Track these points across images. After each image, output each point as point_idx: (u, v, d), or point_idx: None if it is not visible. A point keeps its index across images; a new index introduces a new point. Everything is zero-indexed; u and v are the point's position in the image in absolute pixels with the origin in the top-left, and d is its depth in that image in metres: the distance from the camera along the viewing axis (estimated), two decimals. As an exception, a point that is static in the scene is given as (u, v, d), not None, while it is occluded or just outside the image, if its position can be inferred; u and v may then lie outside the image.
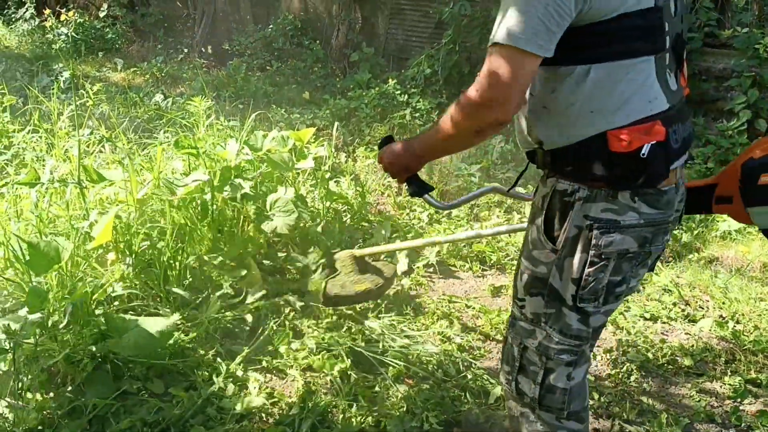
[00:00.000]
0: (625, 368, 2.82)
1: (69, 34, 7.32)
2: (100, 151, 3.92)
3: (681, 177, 1.62)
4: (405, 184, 1.87)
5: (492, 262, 3.71)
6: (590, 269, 1.56)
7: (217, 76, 7.48)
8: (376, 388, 2.61)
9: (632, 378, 2.78)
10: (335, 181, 4.36)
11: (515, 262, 3.63)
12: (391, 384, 2.62)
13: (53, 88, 4.84)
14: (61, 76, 5.55)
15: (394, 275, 3.08)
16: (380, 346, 2.83)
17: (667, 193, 1.55)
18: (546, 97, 1.54)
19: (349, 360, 2.73)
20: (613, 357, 2.89)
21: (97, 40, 8.81)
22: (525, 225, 1.80)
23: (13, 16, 10.16)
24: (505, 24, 1.38)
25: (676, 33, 1.55)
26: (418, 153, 1.73)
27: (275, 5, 8.69)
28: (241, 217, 3.37)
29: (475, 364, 2.80)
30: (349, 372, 2.67)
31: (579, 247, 1.56)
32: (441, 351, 2.84)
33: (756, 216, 1.67)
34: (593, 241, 1.54)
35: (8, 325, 2.41)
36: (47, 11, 9.19)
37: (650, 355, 2.90)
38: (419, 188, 1.86)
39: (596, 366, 2.86)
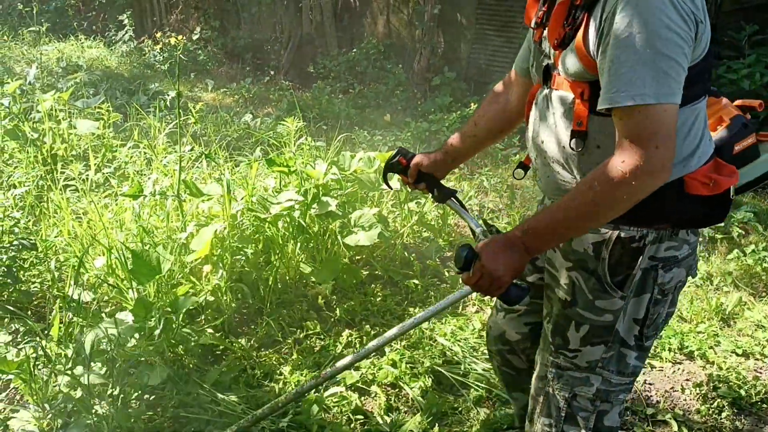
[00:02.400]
0: (715, 404, 2.72)
1: (177, 56, 7.69)
2: (197, 167, 4.10)
3: None
4: (503, 293, 1.46)
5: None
6: (655, 307, 1.56)
7: (301, 98, 7.70)
8: (458, 410, 2.62)
9: (723, 414, 2.68)
10: (416, 203, 4.42)
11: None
12: (472, 406, 2.63)
13: (153, 106, 5.12)
14: (167, 95, 5.84)
15: None
16: (461, 368, 2.84)
17: None
18: (596, 144, 1.46)
19: (430, 379, 2.75)
20: (703, 392, 2.80)
21: (189, 62, 9.23)
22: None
23: (113, 38, 10.78)
24: (657, 79, 1.27)
25: None
26: (536, 246, 1.46)
27: (360, 30, 8.90)
28: (327, 233, 3.47)
29: (558, 391, 2.76)
30: (429, 391, 2.69)
31: (644, 289, 1.54)
32: (523, 376, 2.82)
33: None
34: (659, 280, 1.53)
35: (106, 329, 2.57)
36: (146, 36, 9.70)
37: (743, 392, 2.79)
38: (522, 291, 1.47)
39: (685, 400, 2.78)
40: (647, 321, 1.57)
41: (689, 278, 1.66)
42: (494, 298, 1.61)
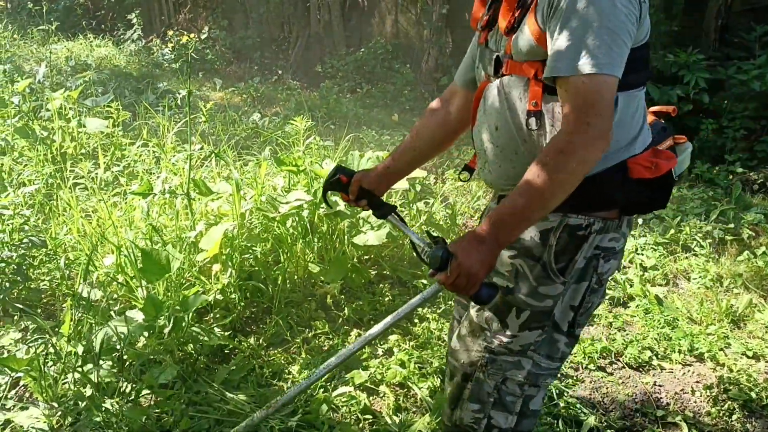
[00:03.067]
0: (726, 406, 2.71)
1: (189, 54, 7.70)
2: (206, 166, 4.11)
3: None
4: (476, 291, 1.44)
5: (584, 290, 3.64)
6: (590, 296, 1.60)
7: (309, 98, 7.70)
8: (467, 410, 2.61)
9: (734, 417, 2.66)
10: (425, 203, 4.41)
11: (608, 291, 3.57)
12: (482, 407, 2.61)
13: (161, 105, 5.12)
14: (178, 94, 5.85)
15: None
16: (471, 369, 2.83)
17: None
18: (542, 129, 1.49)
19: (439, 379, 2.74)
20: (713, 394, 2.78)
21: (197, 61, 9.24)
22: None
23: (121, 37, 10.80)
24: (599, 50, 1.32)
25: None
26: (503, 238, 1.45)
27: (367, 30, 8.89)
28: (335, 233, 3.47)
29: (567, 393, 2.75)
30: (438, 391, 2.69)
31: (584, 277, 1.58)
32: (532, 377, 2.81)
33: None
34: (599, 269, 1.58)
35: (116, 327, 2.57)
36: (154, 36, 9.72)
37: (753, 395, 2.77)
38: (493, 289, 1.47)
39: (696, 402, 2.77)
40: (581, 309, 1.61)
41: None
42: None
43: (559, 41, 1.36)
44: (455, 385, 1.79)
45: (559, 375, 2.84)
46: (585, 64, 1.32)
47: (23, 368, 2.38)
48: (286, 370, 2.80)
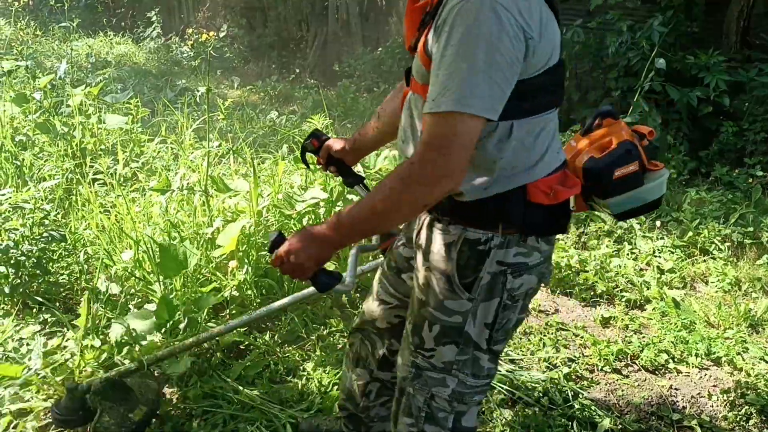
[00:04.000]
0: (743, 411, 2.68)
1: (209, 52, 7.69)
2: (224, 163, 4.13)
3: None
4: (310, 280, 1.55)
5: (601, 291, 3.62)
6: (504, 312, 1.57)
7: (326, 96, 7.72)
8: (481, 411, 2.61)
9: (751, 422, 2.63)
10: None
11: (624, 294, 3.55)
12: (496, 407, 2.61)
13: (180, 102, 5.16)
14: (196, 91, 5.89)
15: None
16: (485, 369, 2.83)
17: None
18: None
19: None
20: (730, 398, 2.75)
21: (215, 59, 9.30)
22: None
23: (141, 34, 10.89)
24: (461, 89, 1.28)
25: None
26: (336, 240, 1.50)
27: (385, 29, 8.89)
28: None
29: (583, 395, 2.74)
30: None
31: (493, 293, 1.54)
32: (547, 378, 2.80)
33: (612, 205, 1.72)
34: (507, 285, 1.54)
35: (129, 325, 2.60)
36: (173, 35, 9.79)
37: (772, 400, 2.75)
38: (331, 279, 1.55)
39: (712, 406, 2.74)
40: (496, 325, 1.58)
41: (542, 285, 1.69)
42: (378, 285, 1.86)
43: (431, 78, 1.34)
44: (395, 399, 1.81)
45: (575, 378, 2.85)
46: (444, 102, 1.29)
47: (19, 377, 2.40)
48: (301, 367, 2.81)
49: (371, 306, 2.03)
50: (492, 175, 1.45)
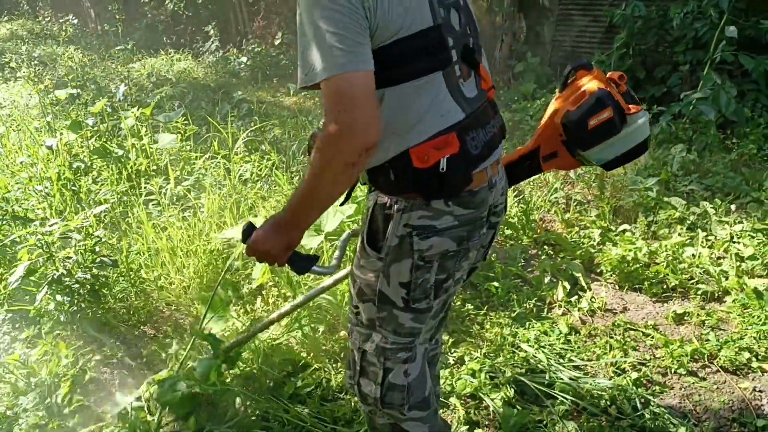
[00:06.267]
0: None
1: (268, 58, 7.71)
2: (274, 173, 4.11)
3: (494, 173, 1.69)
4: (288, 265, 1.65)
5: (673, 285, 3.37)
6: (417, 272, 1.64)
7: (382, 95, 7.62)
8: (542, 423, 2.45)
9: None
10: (499, 199, 4.24)
11: (700, 286, 3.29)
12: (558, 420, 2.45)
13: (233, 115, 5.18)
14: (252, 102, 5.93)
15: None
16: (546, 377, 2.66)
17: (479, 193, 1.62)
18: None
19: (512, 389, 2.59)
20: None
21: (272, 67, 9.36)
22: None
23: (200, 49, 11.11)
24: (322, 55, 1.34)
25: (463, 44, 1.58)
26: (293, 221, 1.56)
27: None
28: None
29: (654, 402, 2.54)
30: (512, 403, 2.54)
31: (403, 254, 1.62)
32: (614, 385, 2.61)
33: (593, 156, 1.78)
34: (415, 247, 1.60)
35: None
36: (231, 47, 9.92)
37: None
38: (304, 262, 1.66)
39: (802, 410, 2.49)
40: (412, 285, 1.66)
41: (475, 262, 1.81)
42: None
43: (298, 53, 1.43)
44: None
45: (645, 383, 2.64)
46: (315, 73, 1.36)
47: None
48: (353, 383, 2.72)
49: None
50: None
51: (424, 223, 1.59)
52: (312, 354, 2.87)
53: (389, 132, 1.50)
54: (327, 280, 2.36)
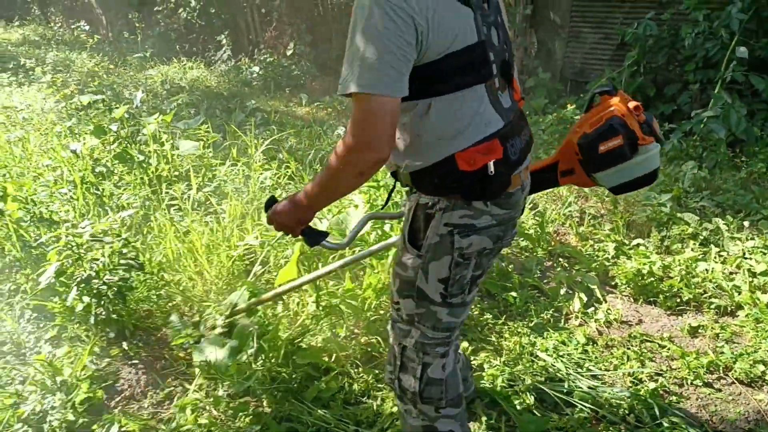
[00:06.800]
0: None
1: (280, 68, 7.79)
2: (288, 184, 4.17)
3: (526, 177, 1.84)
4: (301, 237, 1.88)
5: (687, 298, 3.43)
6: (456, 269, 1.77)
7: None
8: (562, 430, 2.50)
9: None
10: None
11: (713, 300, 3.35)
12: (578, 427, 2.50)
13: (249, 123, 5.25)
14: (266, 112, 6.01)
15: None
16: (565, 386, 2.72)
17: (514, 195, 1.77)
18: (399, 129, 1.68)
19: (532, 397, 2.65)
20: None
21: (284, 77, 9.45)
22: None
23: (212, 58, 11.22)
24: (361, 73, 1.47)
25: (501, 60, 1.71)
26: (307, 204, 1.75)
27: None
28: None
29: (671, 410, 2.59)
30: (532, 409, 2.59)
31: (443, 251, 1.75)
32: (632, 394, 2.66)
33: (603, 179, 1.87)
34: (456, 245, 1.73)
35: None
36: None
37: None
38: (316, 236, 1.89)
39: (818, 423, 2.54)
40: (450, 281, 1.79)
41: (504, 246, 1.88)
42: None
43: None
44: None
45: (662, 393, 2.70)
46: (348, 85, 1.49)
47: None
48: (375, 388, 2.77)
49: None
50: (419, 148, 1.67)
51: (466, 222, 1.72)
52: (335, 358, 2.92)
53: (435, 138, 1.64)
54: (374, 246, 2.53)
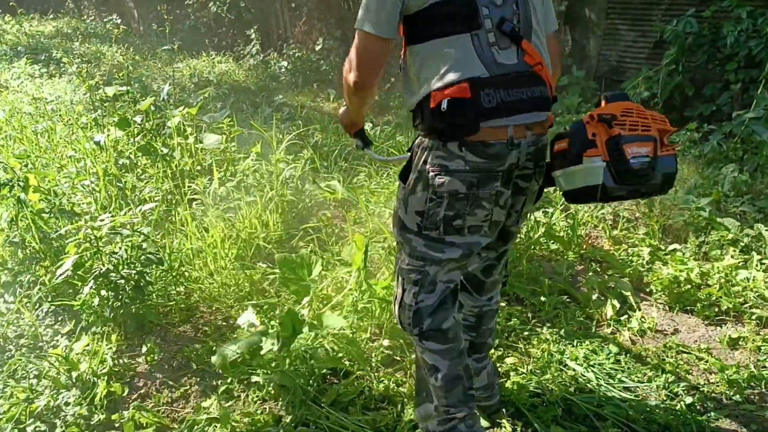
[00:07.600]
0: None
1: (308, 63, 7.68)
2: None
3: (521, 136, 1.84)
4: (355, 137, 2.37)
5: (726, 308, 3.26)
6: (429, 204, 1.91)
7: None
8: (593, 445, 2.37)
9: None
10: (543, 212, 4.16)
11: (755, 310, 3.18)
12: (610, 442, 2.36)
13: (276, 118, 5.17)
14: (293, 107, 5.95)
15: None
16: (596, 398, 2.58)
17: (494, 146, 1.81)
18: (405, 70, 1.94)
19: (560, 409, 2.52)
20: None
21: (312, 72, 9.38)
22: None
23: (241, 52, 11.19)
24: (361, 15, 1.82)
25: (500, 16, 1.80)
26: (350, 111, 2.20)
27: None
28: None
29: (711, 428, 2.44)
30: (560, 422, 2.46)
31: (420, 187, 1.92)
32: (668, 409, 2.52)
33: (557, 180, 1.89)
34: (429, 182, 1.88)
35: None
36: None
37: None
38: (364, 143, 2.39)
39: None
40: (425, 215, 1.93)
41: (482, 196, 1.88)
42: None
43: None
44: None
45: (700, 409, 2.55)
46: (357, 23, 1.83)
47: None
48: (397, 393, 2.67)
49: None
50: (413, 87, 1.89)
51: (440, 162, 1.86)
52: (354, 361, 2.82)
53: (423, 79, 1.84)
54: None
